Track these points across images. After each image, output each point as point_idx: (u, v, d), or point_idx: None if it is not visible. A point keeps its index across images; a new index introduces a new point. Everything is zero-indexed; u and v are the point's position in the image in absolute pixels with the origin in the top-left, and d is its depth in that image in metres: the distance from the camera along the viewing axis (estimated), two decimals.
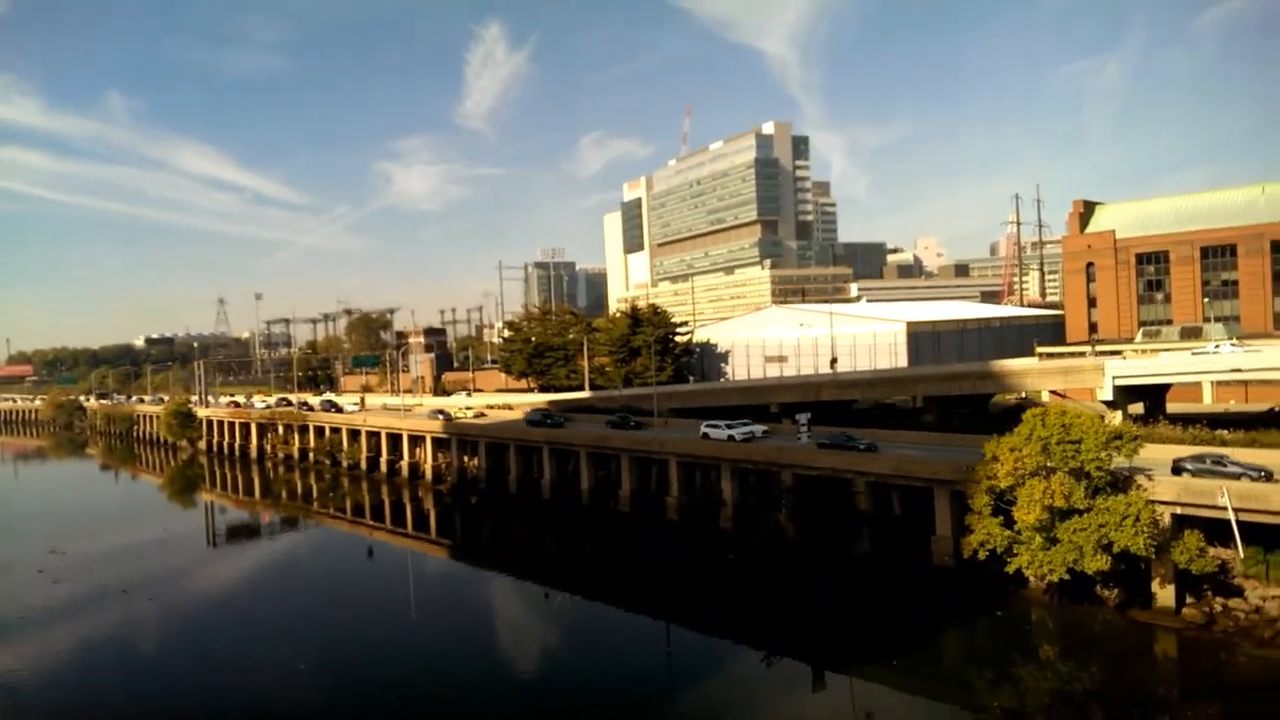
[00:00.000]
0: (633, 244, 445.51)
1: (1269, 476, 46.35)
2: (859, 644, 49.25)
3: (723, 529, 71.30)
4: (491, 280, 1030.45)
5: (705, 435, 77.69)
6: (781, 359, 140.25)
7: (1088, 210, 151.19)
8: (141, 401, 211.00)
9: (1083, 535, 45.09)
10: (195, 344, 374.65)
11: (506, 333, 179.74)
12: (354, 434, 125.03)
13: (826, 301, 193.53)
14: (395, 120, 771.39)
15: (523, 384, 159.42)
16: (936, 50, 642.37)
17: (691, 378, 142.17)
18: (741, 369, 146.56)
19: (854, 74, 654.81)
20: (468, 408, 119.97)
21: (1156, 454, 54.46)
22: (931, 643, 49.70)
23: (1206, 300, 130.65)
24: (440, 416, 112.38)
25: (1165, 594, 47.00)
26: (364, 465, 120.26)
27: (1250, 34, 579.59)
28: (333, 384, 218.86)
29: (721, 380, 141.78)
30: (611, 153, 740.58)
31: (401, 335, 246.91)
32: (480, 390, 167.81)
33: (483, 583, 71.31)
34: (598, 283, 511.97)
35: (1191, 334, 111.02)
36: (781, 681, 45.99)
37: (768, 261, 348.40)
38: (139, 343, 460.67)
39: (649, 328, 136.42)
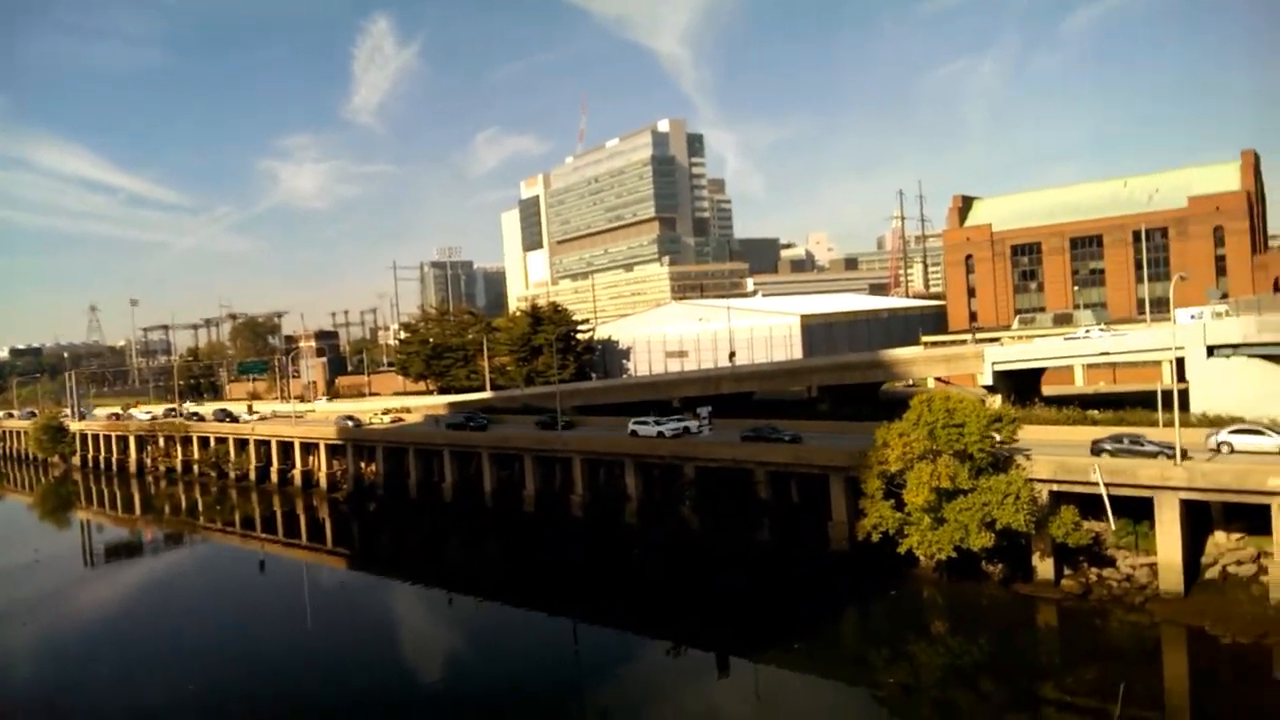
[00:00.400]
0: (532, 242, 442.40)
1: (1185, 454, 48.40)
2: (761, 630, 50.20)
3: (628, 524, 71.57)
4: (386, 281, 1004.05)
5: (633, 433, 76.24)
6: (682, 354, 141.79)
7: (966, 205, 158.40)
8: (10, 416, 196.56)
9: (968, 514, 47.19)
10: (65, 354, 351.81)
11: (403, 334, 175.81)
12: (241, 443, 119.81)
13: (724, 296, 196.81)
14: (280, 116, 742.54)
15: (421, 386, 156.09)
16: (823, 50, 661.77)
17: (594, 375, 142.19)
18: (643, 365, 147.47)
19: (745, 73, 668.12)
20: (385, 411, 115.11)
21: (1033, 435, 57.67)
22: (830, 625, 51.16)
23: (1076, 288, 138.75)
24: (349, 422, 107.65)
25: (1045, 567, 49.68)
26: (253, 476, 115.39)
27: (1115, 36, 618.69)
28: (217, 392, 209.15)
29: (624, 377, 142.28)
30: (507, 150, 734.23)
31: (291, 339, 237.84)
32: (377, 394, 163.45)
33: (383, 591, 69.51)
34: (496, 281, 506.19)
35: (1063, 320, 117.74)
36: (687, 672, 46.54)
37: (666, 258, 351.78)
38: (2, 354, 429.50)
39: (550, 326, 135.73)
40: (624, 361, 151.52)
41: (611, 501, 74.53)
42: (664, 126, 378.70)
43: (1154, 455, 49.58)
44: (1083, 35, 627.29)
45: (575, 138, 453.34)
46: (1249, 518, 46.06)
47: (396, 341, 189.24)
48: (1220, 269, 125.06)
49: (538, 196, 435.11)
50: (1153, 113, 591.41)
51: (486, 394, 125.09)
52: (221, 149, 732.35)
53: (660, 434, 74.26)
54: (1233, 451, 50.15)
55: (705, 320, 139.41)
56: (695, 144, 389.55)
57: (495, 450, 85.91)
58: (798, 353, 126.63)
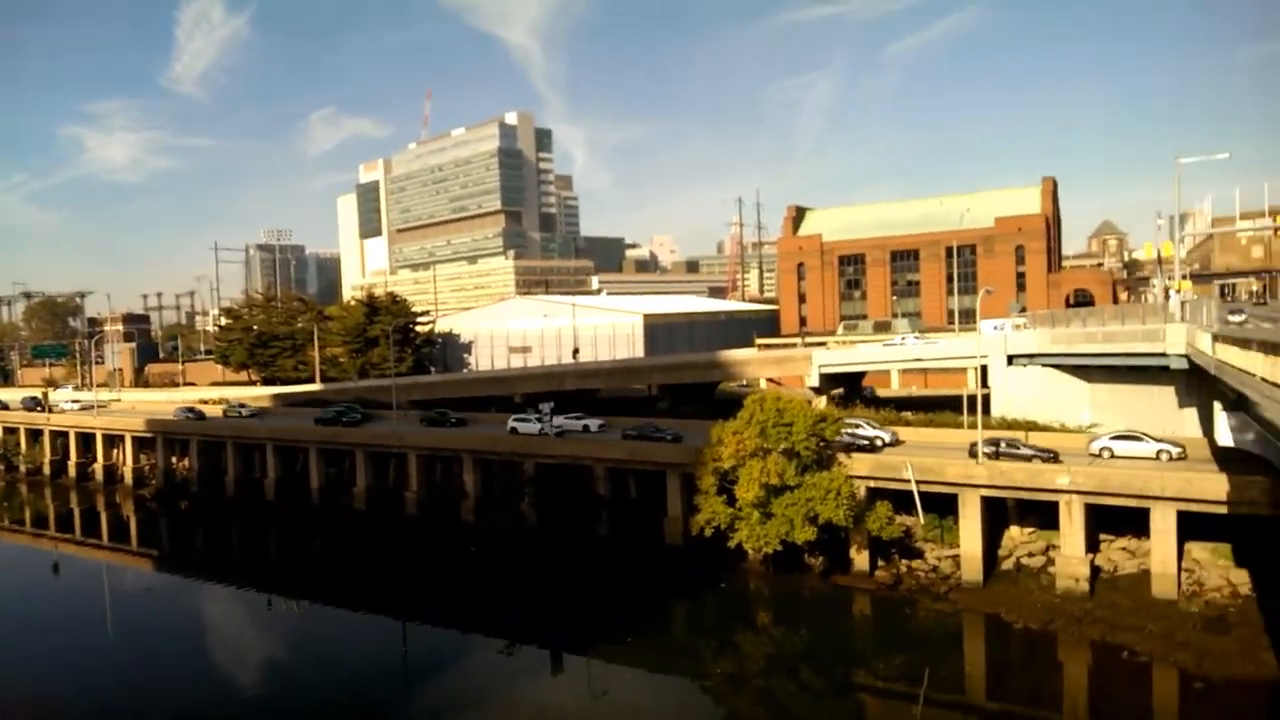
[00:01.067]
0: (370, 229, 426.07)
1: (1055, 457, 51.39)
2: (596, 625, 50.61)
3: (465, 521, 70.27)
4: (206, 263, 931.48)
5: (513, 430, 73.21)
6: (526, 349, 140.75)
7: (799, 215, 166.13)
8: None
9: (793, 509, 49.46)
10: None
11: (224, 320, 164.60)
12: (35, 434, 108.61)
13: (569, 293, 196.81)
14: (88, 78, 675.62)
15: (243, 377, 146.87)
16: (671, 56, 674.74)
17: (433, 369, 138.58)
18: (485, 359, 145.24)
19: (596, 71, 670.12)
20: (241, 404, 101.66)
21: (909, 436, 61.68)
22: (662, 618, 52.23)
23: (895, 298, 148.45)
24: (189, 415, 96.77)
25: (861, 559, 52.82)
26: (48, 470, 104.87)
27: (934, 65, 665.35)
28: (7, 377, 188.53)
29: (465, 371, 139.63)
30: (345, 132, 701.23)
31: (95, 322, 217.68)
32: (192, 384, 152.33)
33: (194, 595, 64.90)
34: (330, 269, 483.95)
35: (883, 328, 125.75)
36: (521, 669, 46.22)
37: (512, 252, 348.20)
38: None
39: (387, 316, 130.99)
40: (465, 355, 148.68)
41: (448, 498, 72.93)
42: (512, 119, 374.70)
43: (1029, 459, 51.47)
44: (905, 62, 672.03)
45: (419, 124, 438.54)
46: (1041, 513, 50.74)
47: (216, 328, 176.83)
48: (1021, 284, 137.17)
49: (377, 182, 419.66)
50: (965, 136, 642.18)
51: (316, 386, 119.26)
52: (13, 110, 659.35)
53: (543, 431, 71.37)
54: (1113, 456, 52.24)
55: (550, 316, 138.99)
56: (544, 139, 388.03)
57: (324, 446, 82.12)
58: (640, 351, 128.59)
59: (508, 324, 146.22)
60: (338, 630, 54.16)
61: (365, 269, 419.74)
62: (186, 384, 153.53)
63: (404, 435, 77.34)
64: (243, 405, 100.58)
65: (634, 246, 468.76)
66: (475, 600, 56.84)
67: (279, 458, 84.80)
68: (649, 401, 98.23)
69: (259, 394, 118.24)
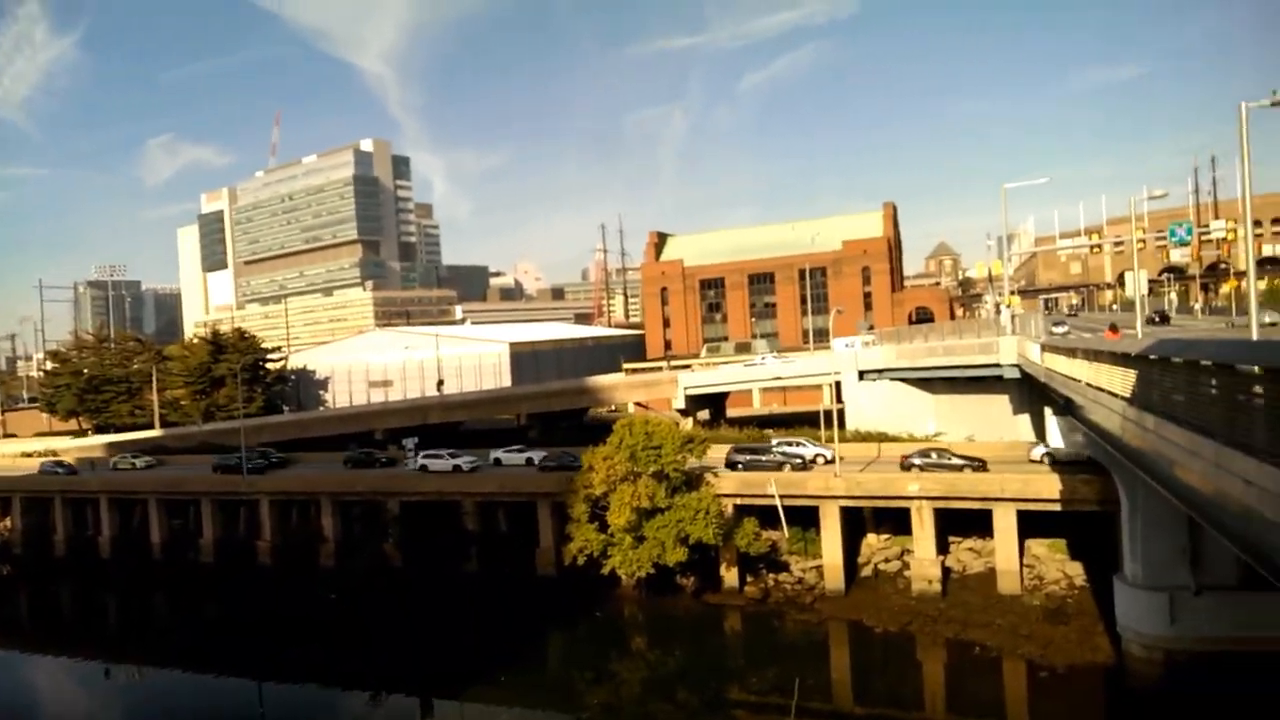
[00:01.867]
0: (214, 262, 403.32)
1: (983, 466, 52.53)
2: (468, 666, 49.06)
3: (324, 567, 66.84)
4: (28, 302, 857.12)
5: (424, 468, 69.70)
6: (387, 383, 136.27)
7: (661, 241, 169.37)
8: None
9: (665, 531, 49.83)
10: None
11: (50, 365, 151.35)
12: None
13: (432, 324, 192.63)
14: None
15: (72, 425, 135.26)
16: (531, 84, 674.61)
17: (287, 408, 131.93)
18: (344, 395, 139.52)
19: (454, 99, 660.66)
20: (58, 462, 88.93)
21: (722, 452, 62.27)
22: (537, 653, 51.29)
23: (754, 319, 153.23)
24: (59, 470, 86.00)
25: (731, 576, 53.75)
26: None
27: (784, 94, 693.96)
28: None
29: (321, 409, 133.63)
30: (185, 159, 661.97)
31: None
32: (13, 435, 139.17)
33: (15, 668, 58.69)
34: (170, 305, 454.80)
35: (744, 349, 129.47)
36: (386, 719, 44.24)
37: (370, 283, 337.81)
38: None
39: (235, 354, 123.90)
40: (321, 392, 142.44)
41: (306, 544, 69.24)
42: (367, 145, 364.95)
43: (960, 469, 52.45)
44: (759, 92, 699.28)
45: (267, 151, 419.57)
46: (895, 520, 53.18)
47: (42, 373, 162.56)
48: (868, 304, 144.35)
49: (222, 212, 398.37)
50: (815, 163, 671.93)
51: (156, 432, 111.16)
52: None
53: (457, 468, 67.92)
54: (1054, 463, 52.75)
55: (411, 348, 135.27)
56: (401, 166, 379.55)
57: (165, 496, 76.45)
58: (507, 381, 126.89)
59: (367, 358, 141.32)
60: (184, 696, 50.18)
61: (209, 304, 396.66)
62: (7, 435, 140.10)
63: (253, 481, 73.06)
64: (59, 463, 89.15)
65: (498, 275, 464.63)
66: (337, 650, 54.05)
67: (115, 512, 78.31)
68: (518, 432, 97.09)
69: (90, 444, 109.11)
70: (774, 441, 62.90)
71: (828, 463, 58.22)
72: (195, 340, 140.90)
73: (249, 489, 72.41)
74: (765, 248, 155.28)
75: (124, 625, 66.85)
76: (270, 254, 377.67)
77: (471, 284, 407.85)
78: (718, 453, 59.96)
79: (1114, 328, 72.43)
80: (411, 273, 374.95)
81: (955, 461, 53.78)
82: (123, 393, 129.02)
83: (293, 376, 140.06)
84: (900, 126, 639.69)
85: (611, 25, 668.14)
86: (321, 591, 62.86)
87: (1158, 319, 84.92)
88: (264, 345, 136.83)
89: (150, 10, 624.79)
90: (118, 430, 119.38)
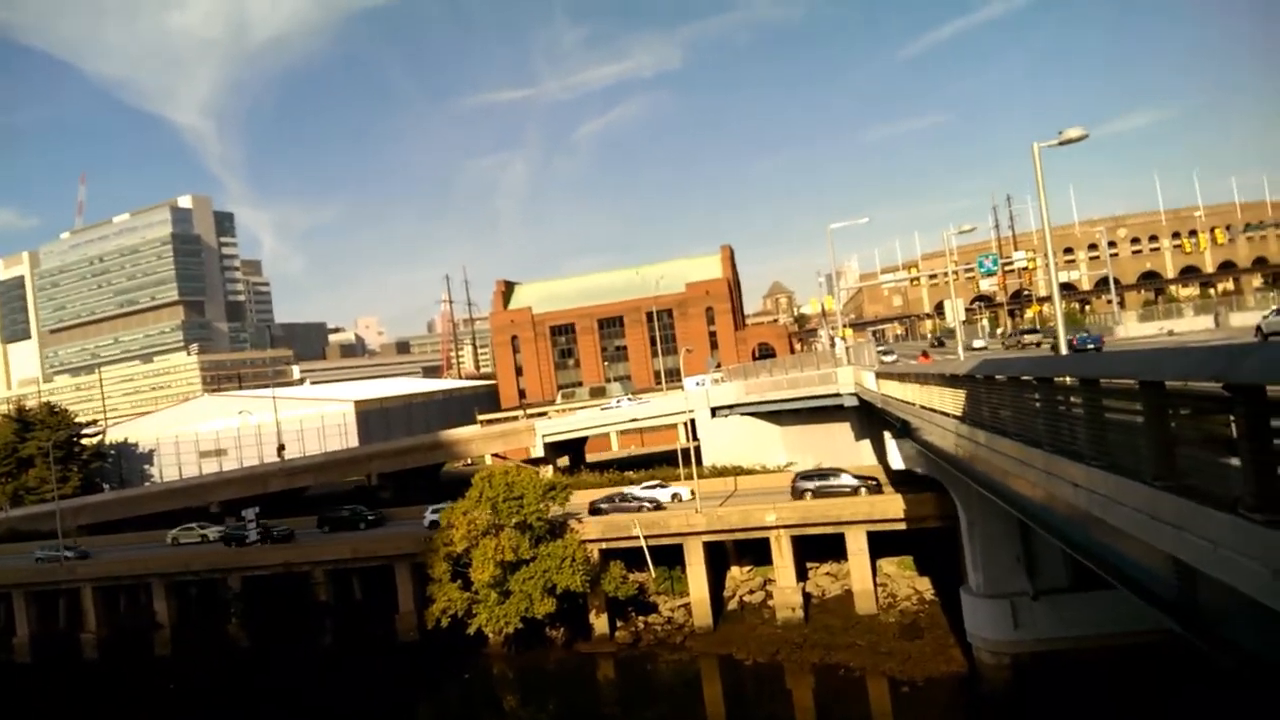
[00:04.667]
0: (15, 332, 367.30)
1: (878, 486, 53.58)
2: None
3: (160, 657, 61.31)
4: None
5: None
6: (220, 452, 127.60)
7: (508, 289, 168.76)
8: None
9: (531, 583, 48.99)
10: None
11: None
12: None
13: (267, 386, 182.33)
14: None
15: None
16: (359, 136, 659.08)
17: (108, 485, 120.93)
18: (172, 468, 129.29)
19: (279, 153, 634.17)
20: None
21: (583, 497, 62.12)
22: None
23: (606, 363, 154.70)
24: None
25: (601, 623, 53.35)
26: None
27: (621, 143, 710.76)
28: None
29: (147, 484, 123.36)
30: None
31: None
32: None
33: None
34: None
35: (598, 393, 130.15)
36: None
37: (195, 346, 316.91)
38: None
39: (44, 431, 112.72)
40: (147, 466, 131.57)
41: (137, 633, 63.31)
42: (186, 202, 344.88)
43: (855, 491, 53.40)
44: (595, 141, 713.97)
45: (72, 212, 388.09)
46: (756, 552, 54.55)
47: None
48: (714, 342, 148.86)
49: (22, 277, 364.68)
50: (655, 209, 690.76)
51: None
52: None
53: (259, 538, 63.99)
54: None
55: (247, 413, 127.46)
56: (225, 222, 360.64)
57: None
58: (354, 440, 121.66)
59: (197, 426, 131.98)
60: None
61: (11, 379, 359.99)
62: None
63: (73, 567, 66.37)
64: None
65: (338, 331, 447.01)
66: None
67: None
68: (369, 493, 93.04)
69: None
70: (636, 489, 63.01)
71: (685, 501, 59.13)
72: None
73: (68, 576, 65.69)
74: (612, 292, 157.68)
75: None
76: (80, 320, 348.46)
77: (309, 342, 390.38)
78: (580, 499, 59.84)
79: (925, 354, 78.74)
80: (242, 333, 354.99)
81: (848, 482, 54.43)
82: None
83: (113, 451, 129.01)
84: (730, 172, 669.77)
85: (439, 80, 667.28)
86: (158, 684, 57.50)
87: (937, 343, 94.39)
88: (78, 419, 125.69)
89: None
90: None
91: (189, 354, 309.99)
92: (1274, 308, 60.61)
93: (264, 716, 51.13)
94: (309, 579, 60.28)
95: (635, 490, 61.52)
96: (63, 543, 70.79)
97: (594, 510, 58.23)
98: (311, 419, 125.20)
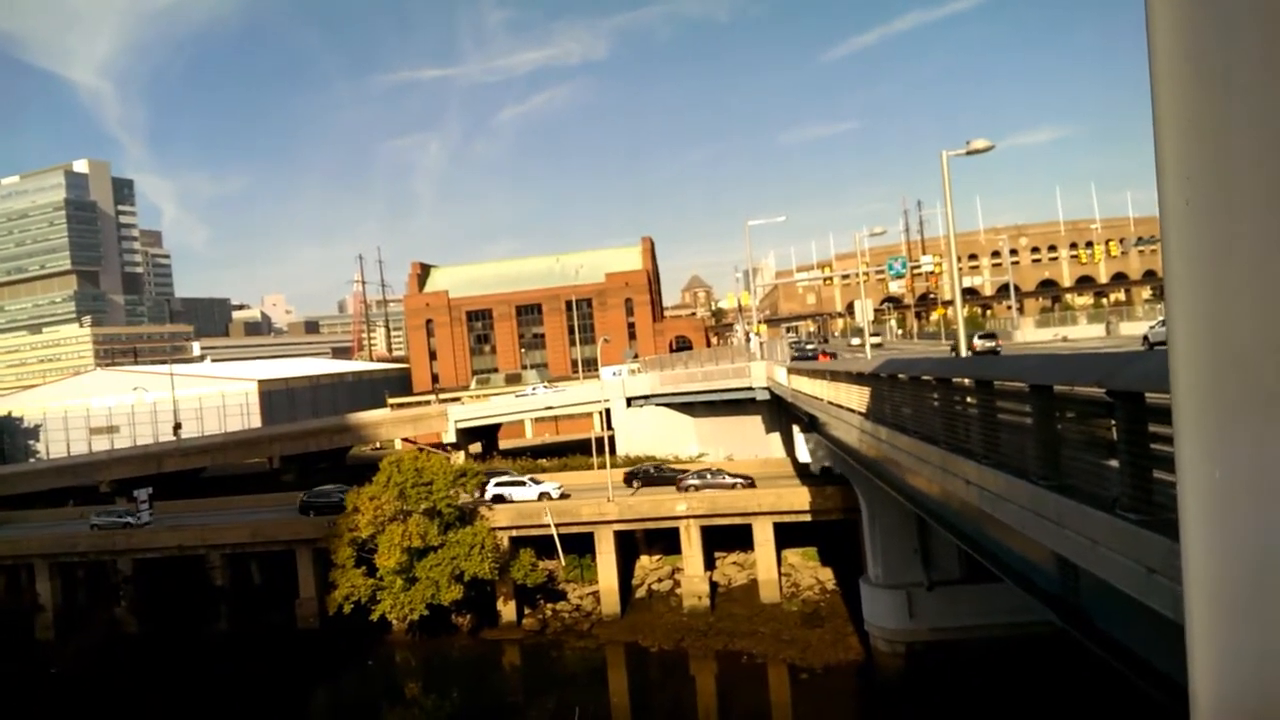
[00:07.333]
0: None
1: (751, 483, 54.54)
2: None
3: (42, 641, 58.28)
4: None
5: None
6: (112, 429, 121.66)
7: (424, 272, 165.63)
8: None
9: (438, 570, 48.41)
10: None
11: None
12: None
13: (165, 362, 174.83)
14: None
15: None
16: (272, 107, 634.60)
17: None
18: (59, 445, 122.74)
19: (184, 118, 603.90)
20: None
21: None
22: (300, 712, 47.71)
23: (523, 350, 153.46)
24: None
25: (509, 610, 53.14)
26: None
27: (542, 129, 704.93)
28: None
29: (32, 461, 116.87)
30: None
31: None
32: None
33: None
34: None
35: (514, 380, 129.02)
36: None
37: (88, 318, 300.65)
38: None
39: None
40: (32, 442, 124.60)
41: (17, 616, 59.97)
42: (82, 166, 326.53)
43: (733, 486, 54.89)
44: (516, 127, 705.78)
45: None
46: (666, 540, 55.16)
47: None
48: (632, 333, 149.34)
49: None
50: (576, 198, 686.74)
51: None
52: None
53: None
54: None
55: (142, 389, 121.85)
56: (124, 189, 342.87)
57: None
58: (256, 421, 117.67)
59: (88, 401, 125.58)
60: None
61: None
62: None
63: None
64: None
65: (243, 308, 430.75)
66: None
67: None
68: (270, 476, 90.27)
69: None
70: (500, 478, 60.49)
71: (557, 499, 56.79)
72: None
73: None
74: (532, 279, 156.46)
75: None
76: None
77: (212, 318, 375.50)
78: None
79: (825, 352, 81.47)
80: (139, 306, 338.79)
81: (728, 480, 56.63)
82: None
83: None
84: (652, 164, 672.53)
85: (357, 53, 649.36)
86: (39, 668, 54.65)
87: (819, 341, 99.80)
88: None
89: None
90: None
91: (81, 326, 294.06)
92: (1160, 319, 64.44)
93: (149, 702, 49.14)
94: (204, 563, 58.17)
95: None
96: None
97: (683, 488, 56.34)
98: (212, 398, 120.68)
